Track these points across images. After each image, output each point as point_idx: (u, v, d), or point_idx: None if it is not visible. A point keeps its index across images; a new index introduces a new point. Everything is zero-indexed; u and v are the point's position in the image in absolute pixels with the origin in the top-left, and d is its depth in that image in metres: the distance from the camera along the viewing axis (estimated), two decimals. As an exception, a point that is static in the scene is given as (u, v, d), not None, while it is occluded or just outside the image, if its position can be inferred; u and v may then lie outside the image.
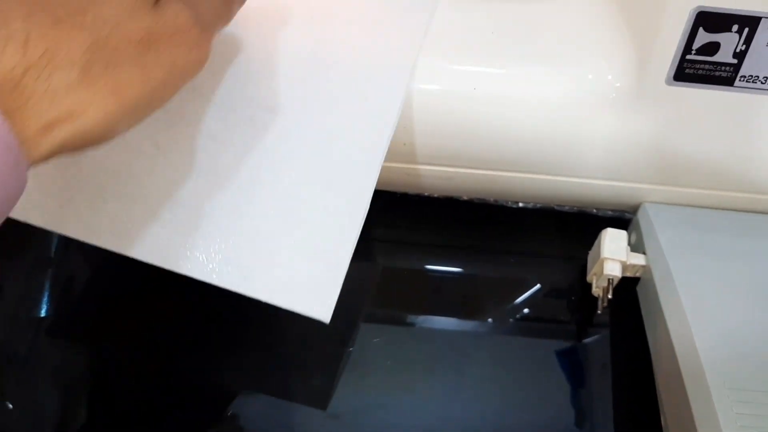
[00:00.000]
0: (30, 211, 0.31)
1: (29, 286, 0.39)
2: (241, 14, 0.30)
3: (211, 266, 0.30)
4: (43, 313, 0.38)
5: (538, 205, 0.40)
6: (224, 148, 0.31)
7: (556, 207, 0.40)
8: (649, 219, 0.36)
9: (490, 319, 0.38)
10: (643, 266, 0.35)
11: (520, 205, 0.40)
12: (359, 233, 0.30)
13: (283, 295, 0.29)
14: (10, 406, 0.35)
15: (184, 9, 0.26)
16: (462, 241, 0.41)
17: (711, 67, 0.32)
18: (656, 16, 0.32)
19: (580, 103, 0.34)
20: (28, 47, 0.22)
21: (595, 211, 0.40)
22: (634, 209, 0.38)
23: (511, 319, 0.38)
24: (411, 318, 0.38)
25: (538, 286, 0.39)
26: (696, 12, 0.31)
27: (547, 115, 0.34)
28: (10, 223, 0.27)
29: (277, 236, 0.30)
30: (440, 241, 0.41)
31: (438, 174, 0.37)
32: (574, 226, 0.40)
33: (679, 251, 0.34)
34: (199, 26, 0.27)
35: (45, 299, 0.39)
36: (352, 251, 0.29)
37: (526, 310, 0.38)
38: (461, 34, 0.35)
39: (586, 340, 0.37)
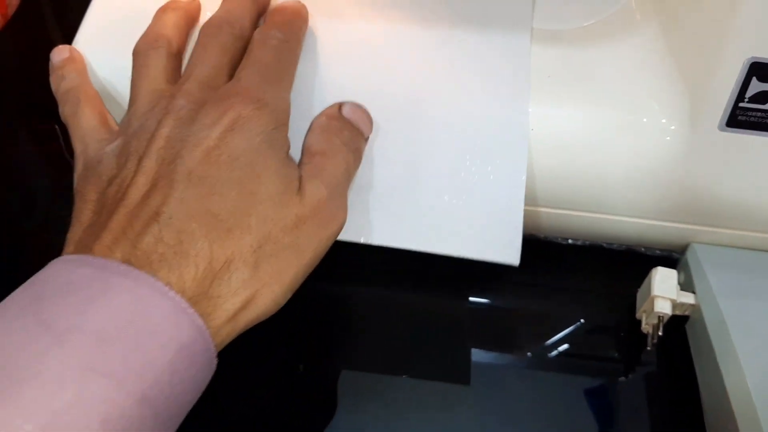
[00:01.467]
0: None
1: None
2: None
3: (405, 236, 0.34)
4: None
5: (587, 242, 0.41)
6: (384, 138, 0.35)
7: (604, 245, 0.41)
8: (698, 259, 0.37)
9: (529, 353, 0.39)
10: (692, 305, 0.36)
11: (569, 241, 0.41)
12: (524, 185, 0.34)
13: (475, 248, 0.33)
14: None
15: (321, 186, 0.29)
16: (509, 275, 0.42)
17: (763, 114, 0.33)
18: (710, 63, 0.33)
19: (634, 145, 0.35)
20: (213, 261, 0.26)
21: (643, 250, 0.41)
22: (682, 249, 0.39)
23: (555, 353, 0.39)
24: (449, 350, 0.39)
25: (583, 321, 0.40)
26: (750, 62, 0.32)
27: (600, 155, 0.36)
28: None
29: (457, 203, 0.34)
30: (487, 274, 0.42)
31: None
32: (622, 263, 0.41)
33: (729, 292, 0.35)
34: (335, 199, 0.30)
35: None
36: (523, 202, 0.34)
37: (572, 345, 0.39)
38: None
39: (634, 377, 0.38)
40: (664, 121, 0.35)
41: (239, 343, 0.38)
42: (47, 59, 0.35)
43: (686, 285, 0.37)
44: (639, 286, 0.38)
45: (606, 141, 0.35)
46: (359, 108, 0.33)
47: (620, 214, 0.38)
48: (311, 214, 0.28)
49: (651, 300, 0.36)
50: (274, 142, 0.29)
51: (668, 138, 0.35)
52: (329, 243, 0.30)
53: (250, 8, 0.33)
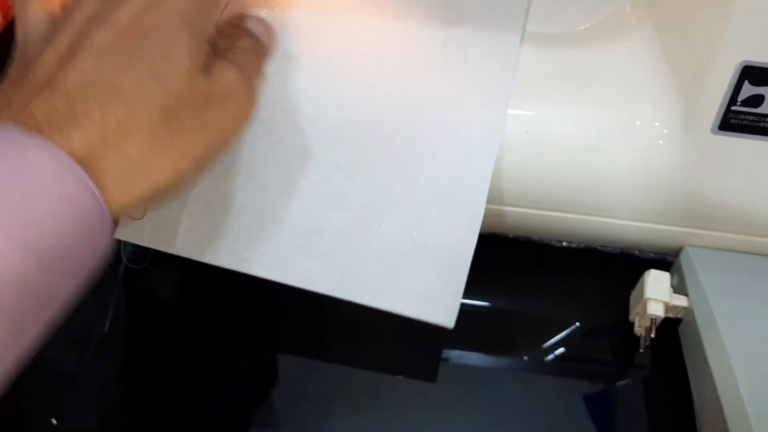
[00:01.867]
0: (188, 249, 0.35)
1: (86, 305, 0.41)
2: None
3: (349, 287, 0.34)
4: (96, 332, 0.40)
5: (582, 245, 0.41)
6: (350, 179, 0.35)
7: (599, 247, 0.41)
8: (691, 262, 0.37)
9: (525, 357, 0.39)
10: (685, 308, 0.36)
11: (564, 244, 0.42)
12: (474, 247, 0.33)
13: (413, 307, 0.33)
14: (54, 422, 0.37)
15: (232, 69, 0.29)
16: (504, 277, 0.42)
17: (755, 118, 0.34)
18: (703, 67, 0.33)
19: (627, 148, 0.36)
20: (105, 128, 0.26)
21: (637, 252, 0.41)
22: (676, 252, 0.39)
23: (549, 355, 0.39)
24: (445, 353, 0.39)
25: (578, 323, 0.40)
26: (742, 66, 0.32)
27: (594, 158, 0.36)
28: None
29: (404, 257, 0.34)
30: (483, 277, 0.42)
31: (486, 212, 0.39)
32: (616, 266, 0.41)
33: (722, 295, 0.35)
34: (245, 84, 0.30)
35: (103, 319, 0.40)
36: (470, 262, 0.33)
37: (567, 347, 0.39)
38: (515, 78, 0.36)
39: (627, 380, 0.38)
40: (657, 124, 0.35)
41: (227, 346, 0.38)
42: None
43: (679, 288, 0.37)
44: (633, 289, 0.39)
45: (599, 143, 0.36)
46: (263, 23, 0.34)
47: (614, 217, 0.38)
48: (219, 95, 0.29)
49: (644, 302, 0.36)
50: (193, 23, 0.29)
51: (661, 141, 0.35)
52: (236, 127, 0.30)
53: None
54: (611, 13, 0.38)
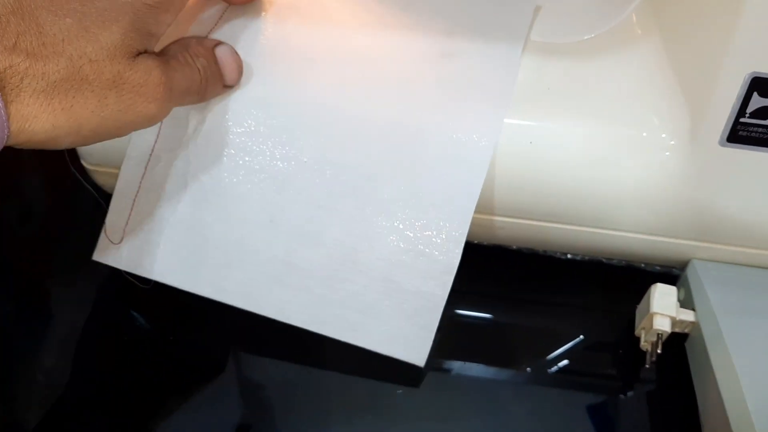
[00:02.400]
0: (165, 275, 0.36)
1: (86, 314, 0.41)
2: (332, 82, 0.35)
3: (324, 321, 0.35)
4: (95, 345, 0.39)
5: (587, 257, 0.41)
6: (330, 217, 0.35)
7: (604, 260, 0.41)
8: (698, 276, 0.37)
9: (529, 369, 0.38)
10: (692, 322, 0.35)
11: (569, 256, 0.41)
12: (448, 293, 0.34)
13: (385, 345, 0.34)
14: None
15: (157, 69, 0.30)
16: (508, 290, 0.41)
17: (764, 130, 0.33)
18: (711, 79, 0.33)
19: (633, 160, 0.35)
20: (16, 51, 0.26)
21: (643, 265, 0.40)
22: (683, 265, 0.39)
23: (554, 369, 0.38)
24: (448, 364, 0.38)
25: (583, 337, 0.39)
26: (751, 77, 0.32)
27: (600, 169, 0.35)
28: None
29: (379, 297, 0.35)
30: (487, 289, 0.41)
31: (489, 224, 0.38)
32: (622, 279, 0.40)
33: (729, 309, 0.35)
34: (167, 89, 0.30)
35: (101, 331, 0.40)
36: (443, 307, 0.34)
37: (571, 361, 0.38)
38: (519, 89, 0.36)
39: (632, 394, 0.37)
40: (664, 135, 0.35)
41: (226, 354, 0.38)
42: None
43: (686, 302, 0.37)
44: (638, 302, 0.38)
45: (605, 155, 0.35)
46: (234, 55, 0.35)
47: (620, 229, 0.37)
48: (133, 83, 0.29)
49: (650, 317, 0.35)
50: (139, 13, 0.29)
51: (668, 153, 0.35)
52: (133, 123, 0.30)
53: None
54: (618, 23, 0.38)
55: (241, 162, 0.35)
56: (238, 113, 0.35)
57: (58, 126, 0.27)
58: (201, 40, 0.34)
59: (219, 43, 0.34)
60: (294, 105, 0.36)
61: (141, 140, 0.36)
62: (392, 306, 0.34)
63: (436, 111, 0.35)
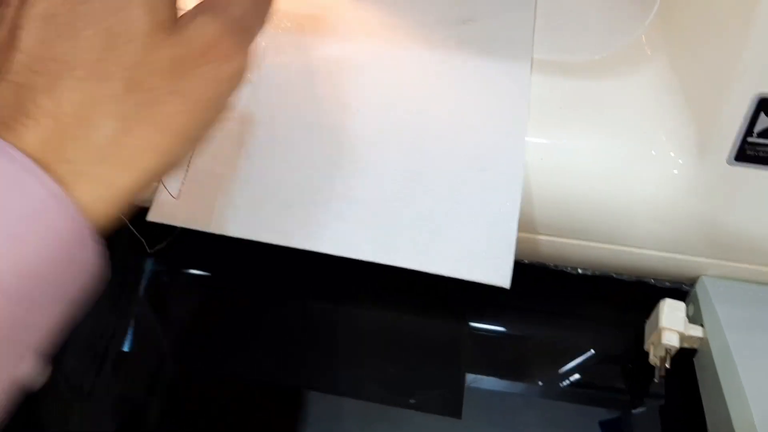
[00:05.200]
0: (224, 226, 0.35)
1: (105, 320, 0.42)
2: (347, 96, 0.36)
3: (390, 248, 0.34)
4: (115, 347, 0.40)
5: (597, 272, 0.41)
6: (388, 151, 0.36)
7: (614, 275, 0.41)
8: (707, 292, 0.37)
9: (539, 381, 0.39)
10: (700, 338, 0.36)
11: (579, 271, 0.42)
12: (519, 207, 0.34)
13: (462, 268, 0.33)
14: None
15: (208, 22, 0.25)
16: (519, 304, 0.42)
17: (772, 149, 0.34)
18: (719, 98, 0.33)
19: (642, 177, 0.36)
20: (61, 116, 0.22)
21: (652, 281, 0.41)
22: (692, 282, 0.39)
23: (564, 382, 0.39)
24: (460, 378, 0.39)
25: (592, 351, 0.40)
26: (758, 98, 0.32)
27: (610, 186, 0.36)
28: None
29: (447, 216, 0.34)
30: (498, 302, 0.42)
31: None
32: (632, 294, 0.41)
33: (738, 326, 0.35)
34: (231, 35, 0.25)
35: (124, 334, 0.41)
36: (517, 220, 0.34)
37: (581, 374, 0.39)
38: (531, 107, 0.37)
39: (641, 409, 0.37)
40: (672, 154, 0.35)
41: (237, 367, 0.39)
42: None
43: (695, 318, 0.37)
44: (648, 317, 0.38)
45: (615, 172, 0.36)
46: None
47: (629, 245, 0.38)
48: (194, 54, 0.24)
49: (659, 332, 0.36)
50: None
51: (676, 171, 0.35)
52: (225, 92, 0.25)
53: None
54: (627, 43, 0.39)
55: (293, 114, 0.36)
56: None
57: (162, 146, 0.23)
58: None
59: None
60: (341, 60, 0.38)
61: None
62: (463, 224, 0.33)
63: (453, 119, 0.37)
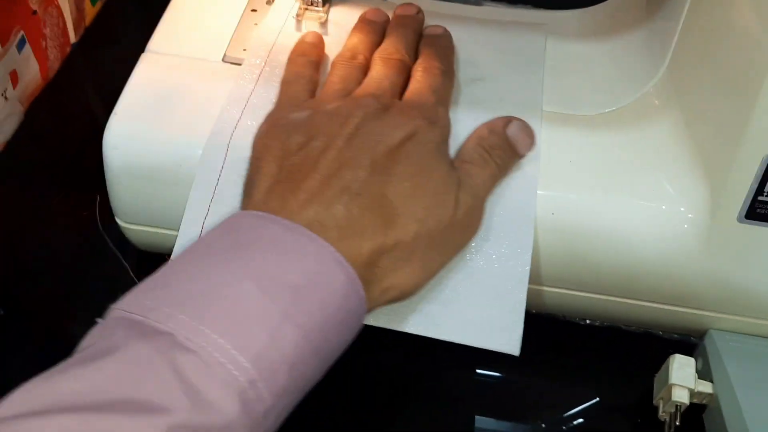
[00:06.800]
0: None
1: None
2: None
3: (403, 319, 0.34)
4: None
5: (606, 324, 0.41)
6: None
7: (623, 327, 0.41)
8: (716, 347, 0.37)
9: (543, 425, 0.39)
10: (710, 394, 0.36)
11: (588, 322, 0.42)
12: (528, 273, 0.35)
13: (472, 335, 0.34)
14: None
15: (473, 199, 0.33)
16: (528, 353, 0.42)
17: (782, 209, 0.34)
18: (729, 157, 0.34)
19: (652, 232, 0.36)
20: (385, 239, 0.30)
21: (661, 333, 0.41)
22: (701, 335, 0.39)
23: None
24: (470, 424, 0.39)
25: (601, 404, 0.40)
26: (768, 159, 0.33)
27: (619, 240, 0.36)
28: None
29: (456, 286, 0.34)
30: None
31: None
32: (641, 346, 0.41)
33: (747, 382, 0.35)
34: (479, 204, 0.34)
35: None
36: (526, 286, 0.34)
37: (590, 429, 0.39)
38: (542, 161, 0.37)
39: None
40: (682, 209, 0.36)
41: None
42: (86, 121, 0.36)
43: (704, 371, 0.37)
44: (657, 369, 0.38)
45: (625, 226, 0.36)
46: (524, 129, 0.36)
47: (638, 299, 0.38)
48: (460, 218, 0.32)
49: (668, 388, 0.36)
50: (442, 153, 0.34)
51: (686, 226, 0.36)
52: (463, 247, 0.34)
53: (412, 41, 0.40)
54: (638, 98, 0.39)
55: None
56: None
57: (420, 283, 0.32)
58: (492, 124, 0.36)
59: (509, 121, 0.36)
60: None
61: (210, 161, 0.36)
62: (474, 295, 0.34)
63: None
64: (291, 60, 0.39)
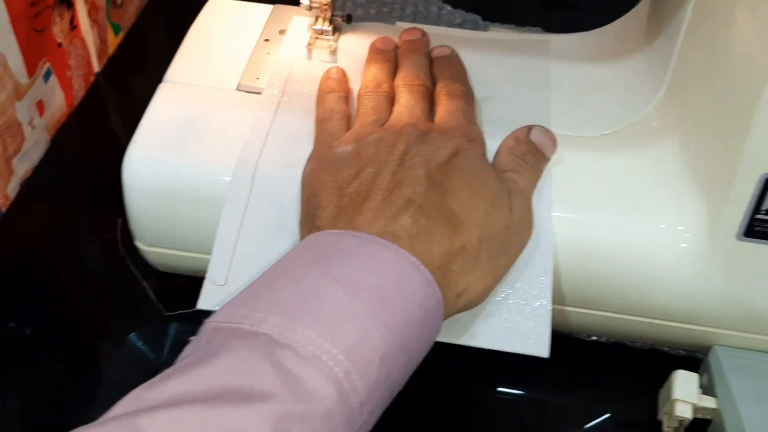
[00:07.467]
0: None
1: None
2: None
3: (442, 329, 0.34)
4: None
5: (611, 340, 0.42)
6: None
7: (628, 343, 0.42)
8: (720, 363, 0.38)
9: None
10: (714, 409, 0.36)
11: (593, 338, 0.42)
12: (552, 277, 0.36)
13: (503, 341, 0.35)
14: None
15: (523, 202, 0.36)
16: (533, 369, 0.43)
17: (780, 226, 0.35)
18: (727, 177, 0.35)
19: (653, 250, 0.37)
20: (452, 244, 0.32)
21: (666, 349, 0.41)
22: (706, 350, 0.40)
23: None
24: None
25: (605, 419, 0.40)
26: (765, 179, 0.33)
27: (621, 258, 0.37)
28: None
29: (489, 299, 0.35)
30: (513, 367, 0.43)
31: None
32: (646, 362, 0.41)
33: (751, 398, 0.36)
34: (529, 207, 0.36)
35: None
36: (551, 291, 0.36)
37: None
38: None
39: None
40: (681, 228, 0.37)
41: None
42: (109, 147, 0.39)
43: (708, 387, 0.38)
44: (662, 385, 0.39)
45: (626, 245, 0.37)
46: (546, 133, 0.39)
47: (642, 316, 0.39)
48: (517, 220, 0.35)
49: (672, 403, 0.36)
50: (487, 165, 0.36)
51: (685, 245, 0.36)
52: (522, 249, 0.36)
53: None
54: (638, 119, 0.40)
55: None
56: None
57: (488, 287, 0.34)
58: (516, 134, 0.38)
59: (530, 129, 0.39)
60: None
61: (237, 188, 0.38)
62: (502, 301, 0.36)
63: None
64: (321, 98, 0.41)
